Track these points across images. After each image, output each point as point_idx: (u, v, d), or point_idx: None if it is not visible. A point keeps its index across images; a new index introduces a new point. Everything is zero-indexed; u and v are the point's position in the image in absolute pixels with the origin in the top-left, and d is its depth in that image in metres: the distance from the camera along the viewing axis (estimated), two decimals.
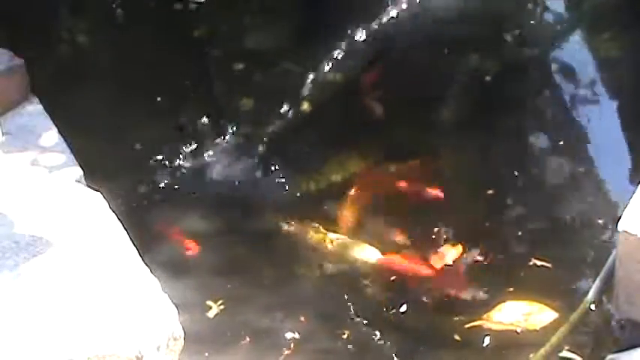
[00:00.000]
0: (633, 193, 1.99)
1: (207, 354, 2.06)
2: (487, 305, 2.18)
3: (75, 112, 2.53)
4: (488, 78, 2.88)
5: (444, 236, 2.36)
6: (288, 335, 2.14)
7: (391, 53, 2.92)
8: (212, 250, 2.38)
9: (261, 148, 2.71)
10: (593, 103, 2.84)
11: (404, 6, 2.88)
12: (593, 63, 2.98)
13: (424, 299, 2.23)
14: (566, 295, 2.18)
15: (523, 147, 2.68)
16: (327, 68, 2.80)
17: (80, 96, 2.70)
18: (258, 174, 2.66)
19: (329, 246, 2.37)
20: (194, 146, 2.71)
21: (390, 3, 2.91)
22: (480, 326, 2.14)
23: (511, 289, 2.22)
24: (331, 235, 2.38)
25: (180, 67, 2.94)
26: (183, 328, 1.56)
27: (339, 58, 2.80)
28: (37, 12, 2.99)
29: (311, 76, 2.80)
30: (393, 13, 2.83)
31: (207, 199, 2.57)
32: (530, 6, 3.14)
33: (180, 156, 2.68)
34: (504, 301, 2.18)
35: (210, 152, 2.70)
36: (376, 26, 2.81)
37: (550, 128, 2.75)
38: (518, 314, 2.15)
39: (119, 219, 1.68)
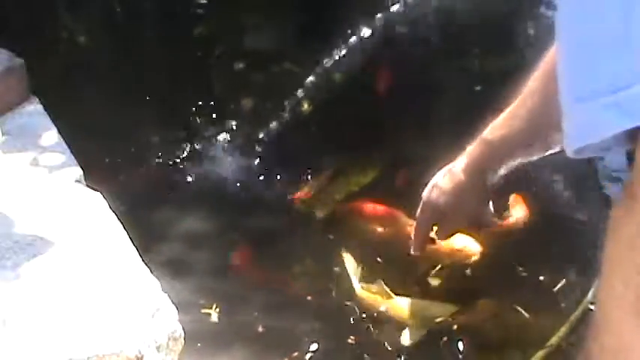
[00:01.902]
0: None
1: (207, 354, 2.06)
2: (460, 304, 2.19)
3: (75, 112, 2.53)
4: (489, 78, 2.88)
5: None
6: (289, 336, 2.15)
7: (392, 52, 2.91)
8: (212, 250, 2.38)
9: (261, 148, 2.71)
10: None
11: (404, 5, 2.88)
12: None
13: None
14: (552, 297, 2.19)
15: None
16: (327, 68, 2.80)
17: (80, 96, 2.70)
18: (259, 174, 2.66)
19: None
20: (194, 146, 2.71)
21: (390, 2, 2.90)
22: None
23: (492, 291, 2.23)
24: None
25: (180, 66, 2.94)
26: (183, 328, 1.56)
27: (339, 57, 2.80)
28: (37, 12, 2.99)
29: (311, 76, 2.80)
30: (394, 12, 2.83)
31: (207, 199, 2.57)
32: (531, 5, 3.13)
33: (181, 156, 2.68)
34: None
35: (210, 152, 2.70)
36: (377, 25, 2.81)
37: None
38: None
39: (119, 219, 1.68)
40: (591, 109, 0.84)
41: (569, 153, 0.91)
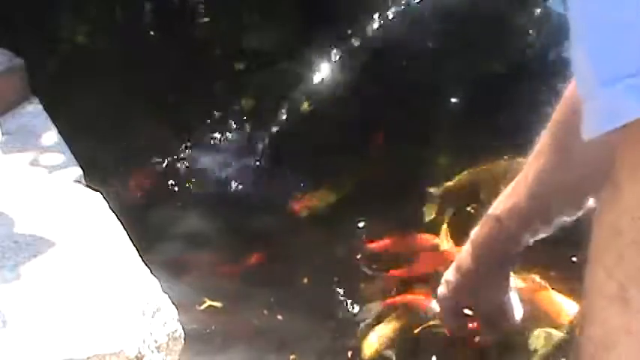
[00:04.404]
0: None
1: (207, 354, 2.06)
2: None
3: (75, 112, 2.53)
4: (491, 78, 2.88)
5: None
6: (290, 336, 2.15)
7: (393, 52, 2.91)
8: (212, 250, 2.38)
9: (261, 148, 2.71)
10: None
11: (404, 5, 2.88)
12: None
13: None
14: None
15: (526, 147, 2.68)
16: (327, 68, 2.80)
17: (80, 96, 2.70)
18: (259, 174, 2.66)
19: None
20: (194, 146, 2.71)
21: (390, 2, 2.91)
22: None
23: None
24: None
25: (180, 66, 2.94)
26: (184, 328, 1.56)
27: (339, 57, 2.80)
28: (37, 12, 2.99)
29: (311, 76, 2.80)
30: (394, 11, 2.83)
31: (207, 199, 2.57)
32: (533, 4, 3.14)
33: (181, 156, 2.68)
34: None
35: (210, 152, 2.70)
36: (377, 25, 2.81)
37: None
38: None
39: (119, 219, 1.68)
40: (616, 92, 0.82)
41: (587, 137, 0.88)
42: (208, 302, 2.20)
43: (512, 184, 1.51)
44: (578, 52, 0.87)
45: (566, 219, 1.49)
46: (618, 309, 0.89)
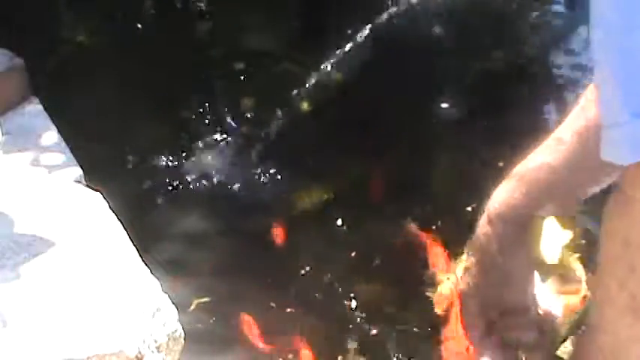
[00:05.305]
0: None
1: (207, 354, 2.06)
2: None
3: (75, 112, 2.53)
4: (491, 78, 2.88)
5: None
6: (289, 336, 2.15)
7: (393, 52, 2.92)
8: (211, 250, 2.38)
9: (261, 149, 2.71)
10: None
11: (405, 5, 2.88)
12: None
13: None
14: None
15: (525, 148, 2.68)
16: (327, 68, 2.80)
17: (80, 96, 2.70)
18: (259, 174, 2.66)
19: None
20: (194, 146, 2.72)
21: (390, 3, 2.91)
22: None
23: None
24: None
25: (180, 66, 2.94)
26: (184, 328, 1.56)
27: (339, 57, 2.80)
28: (37, 12, 2.99)
29: (311, 76, 2.80)
30: (394, 12, 2.83)
31: (207, 199, 2.57)
32: (531, 4, 3.14)
33: (180, 156, 2.68)
34: None
35: (210, 152, 2.70)
36: (377, 26, 2.81)
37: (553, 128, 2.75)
38: None
39: (119, 219, 1.68)
40: None
41: (607, 160, 0.86)
42: (197, 301, 2.20)
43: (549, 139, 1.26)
44: (604, 77, 0.87)
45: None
46: (630, 319, 0.89)
